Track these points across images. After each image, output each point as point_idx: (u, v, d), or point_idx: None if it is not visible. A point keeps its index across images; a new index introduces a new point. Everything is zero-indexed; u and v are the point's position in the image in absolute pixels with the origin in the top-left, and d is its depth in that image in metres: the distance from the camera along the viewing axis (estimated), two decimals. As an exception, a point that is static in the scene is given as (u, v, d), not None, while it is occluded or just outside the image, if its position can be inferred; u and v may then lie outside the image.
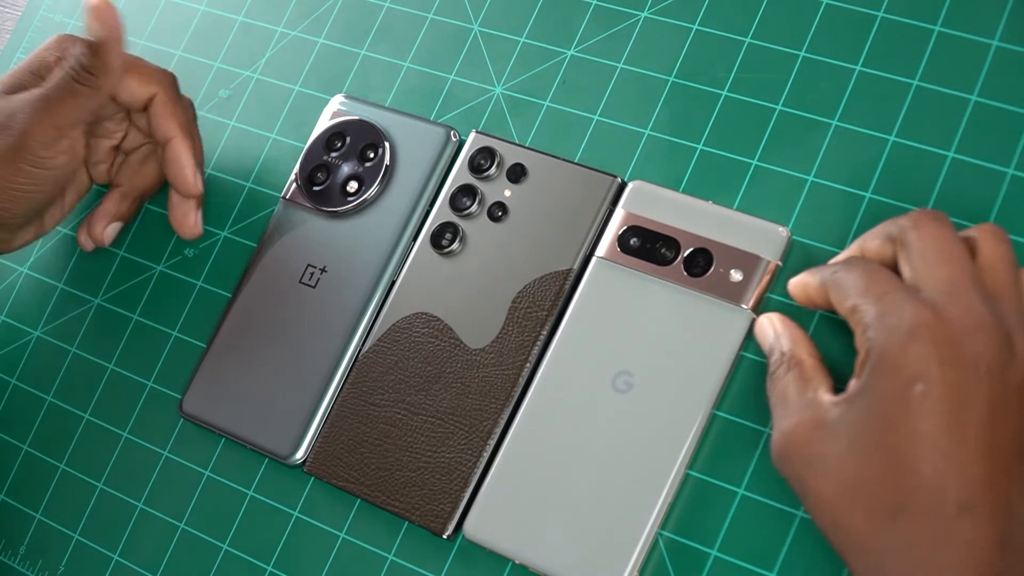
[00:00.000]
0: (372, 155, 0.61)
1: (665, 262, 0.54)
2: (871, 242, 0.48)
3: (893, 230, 0.47)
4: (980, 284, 0.44)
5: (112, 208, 0.64)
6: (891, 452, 0.42)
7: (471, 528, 0.54)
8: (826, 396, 0.45)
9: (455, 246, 0.58)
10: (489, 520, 0.53)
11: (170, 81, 0.62)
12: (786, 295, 0.52)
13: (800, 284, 0.50)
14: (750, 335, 0.52)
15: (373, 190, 0.60)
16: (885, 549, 0.41)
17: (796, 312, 0.52)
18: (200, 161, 0.62)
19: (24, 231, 0.62)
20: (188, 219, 0.63)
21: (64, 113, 0.58)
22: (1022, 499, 0.42)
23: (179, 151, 0.61)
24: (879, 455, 0.42)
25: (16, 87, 0.59)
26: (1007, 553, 0.41)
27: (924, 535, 0.41)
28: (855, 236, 0.52)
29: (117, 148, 0.64)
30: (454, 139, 0.60)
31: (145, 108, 0.61)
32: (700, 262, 0.53)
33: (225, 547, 0.59)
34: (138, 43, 0.71)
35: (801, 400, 0.46)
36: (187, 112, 0.62)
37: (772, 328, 0.50)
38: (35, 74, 0.59)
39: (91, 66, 0.58)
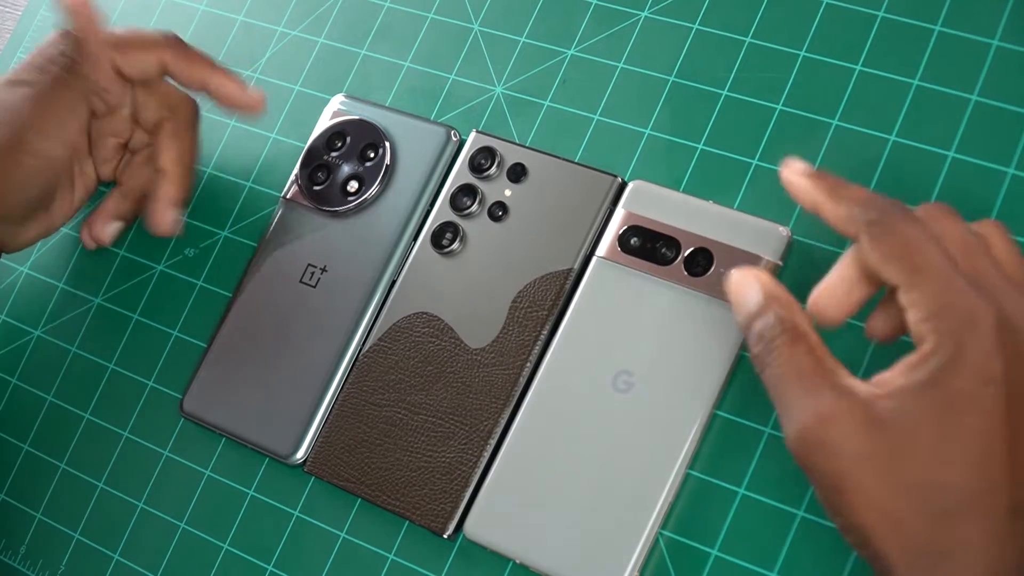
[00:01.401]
0: (372, 155, 0.61)
1: (665, 262, 0.54)
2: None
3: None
4: (1007, 280, 0.42)
5: (112, 207, 0.64)
6: (963, 451, 0.40)
7: (472, 528, 0.54)
8: (859, 384, 0.42)
9: (455, 246, 0.58)
10: (490, 520, 0.53)
11: (187, 106, 0.63)
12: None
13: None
14: (750, 335, 0.52)
15: (373, 190, 0.60)
16: (940, 551, 0.40)
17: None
18: (192, 165, 0.63)
19: (29, 226, 0.62)
20: (165, 215, 0.62)
21: (58, 104, 0.58)
22: None
23: (163, 188, 0.61)
24: (949, 454, 0.40)
25: (19, 83, 0.59)
26: None
27: (981, 536, 0.39)
28: (855, 236, 0.53)
29: (125, 146, 0.64)
30: (454, 139, 0.60)
31: (157, 122, 0.62)
32: (700, 262, 0.53)
33: (226, 547, 0.59)
34: (138, 43, 0.71)
35: (826, 383, 0.42)
36: (190, 135, 0.63)
37: (760, 285, 0.45)
38: (40, 69, 0.59)
39: (75, 56, 0.59)
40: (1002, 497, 0.40)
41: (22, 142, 0.58)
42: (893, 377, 0.42)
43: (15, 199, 0.59)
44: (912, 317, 0.42)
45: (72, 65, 0.59)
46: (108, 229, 0.64)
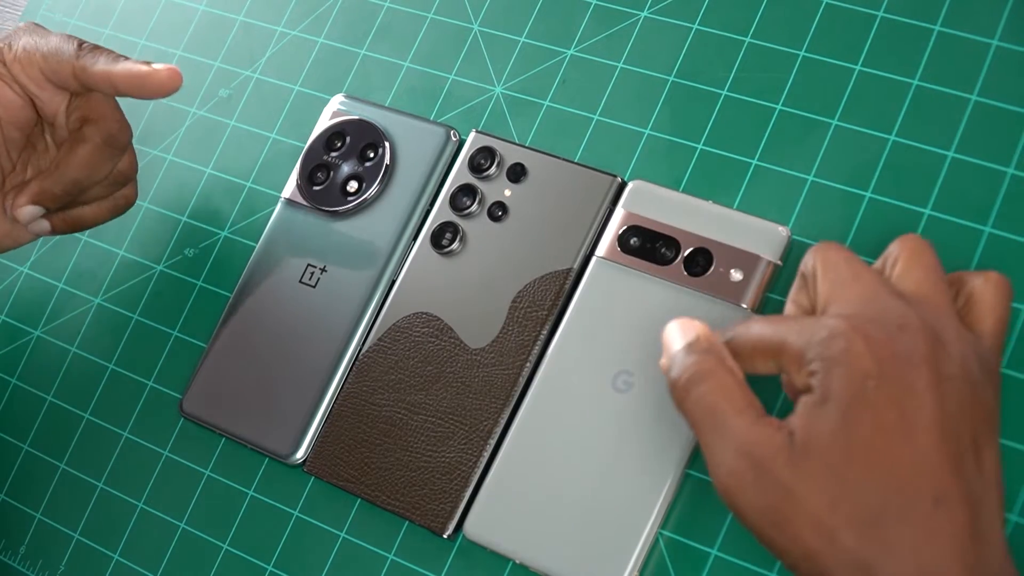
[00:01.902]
0: (372, 155, 0.61)
1: (665, 262, 0.54)
2: (792, 293, 0.48)
3: (802, 268, 0.47)
4: (895, 290, 0.44)
5: (36, 186, 0.60)
6: (868, 454, 0.41)
7: (471, 528, 0.54)
8: (776, 419, 0.43)
9: (455, 246, 0.58)
10: (489, 520, 0.53)
11: (110, 123, 0.60)
12: (786, 295, 0.52)
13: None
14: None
15: (373, 190, 0.60)
16: (870, 559, 0.40)
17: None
18: (79, 177, 0.59)
19: None
20: (18, 201, 0.59)
21: None
22: (983, 489, 0.41)
23: (34, 182, 0.59)
24: (859, 461, 0.41)
25: None
26: (980, 542, 0.41)
27: (908, 534, 0.40)
28: (855, 236, 0.53)
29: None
30: (454, 139, 0.60)
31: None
32: (700, 262, 0.53)
33: (225, 547, 0.59)
34: (138, 43, 0.71)
35: (752, 413, 0.43)
36: (98, 149, 0.60)
37: (696, 332, 0.46)
38: None
39: None
40: (917, 491, 0.40)
41: None
42: (798, 409, 0.43)
43: None
44: (794, 375, 0.44)
45: None
46: (25, 210, 0.59)
